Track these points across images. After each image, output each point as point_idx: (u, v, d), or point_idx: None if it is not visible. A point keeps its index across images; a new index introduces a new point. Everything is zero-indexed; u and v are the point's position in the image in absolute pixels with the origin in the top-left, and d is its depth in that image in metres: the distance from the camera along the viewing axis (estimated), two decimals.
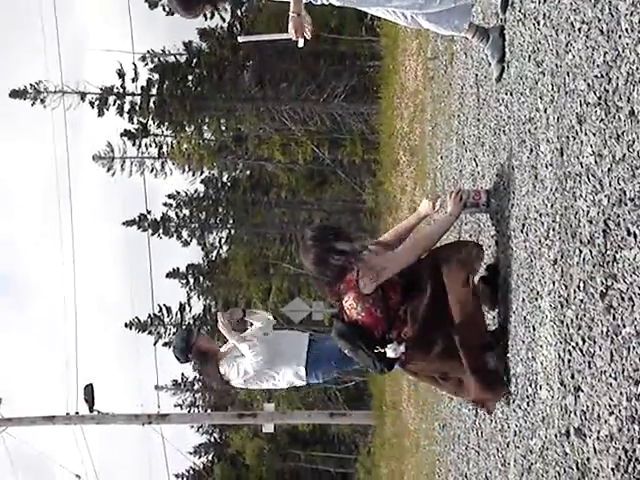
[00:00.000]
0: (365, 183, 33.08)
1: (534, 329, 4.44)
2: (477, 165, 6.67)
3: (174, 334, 42.95)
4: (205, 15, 5.71)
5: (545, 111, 4.46)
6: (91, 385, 18.53)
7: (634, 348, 3.08)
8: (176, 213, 42.05)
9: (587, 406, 3.51)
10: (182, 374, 45.88)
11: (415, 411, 11.79)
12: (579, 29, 3.92)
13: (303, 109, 33.67)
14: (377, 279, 5.08)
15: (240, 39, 6.14)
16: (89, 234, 79.32)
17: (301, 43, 5.50)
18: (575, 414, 3.66)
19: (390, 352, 5.11)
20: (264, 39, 6.37)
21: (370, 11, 5.75)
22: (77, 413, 19.82)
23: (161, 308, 44.02)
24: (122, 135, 38.33)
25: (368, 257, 5.23)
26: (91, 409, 18.78)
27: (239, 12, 36.84)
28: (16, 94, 36.90)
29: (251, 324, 7.49)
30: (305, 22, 5.45)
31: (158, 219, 41.82)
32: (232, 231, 42.97)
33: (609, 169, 3.42)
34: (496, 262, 5.58)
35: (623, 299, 3.20)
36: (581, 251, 3.70)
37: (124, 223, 42.11)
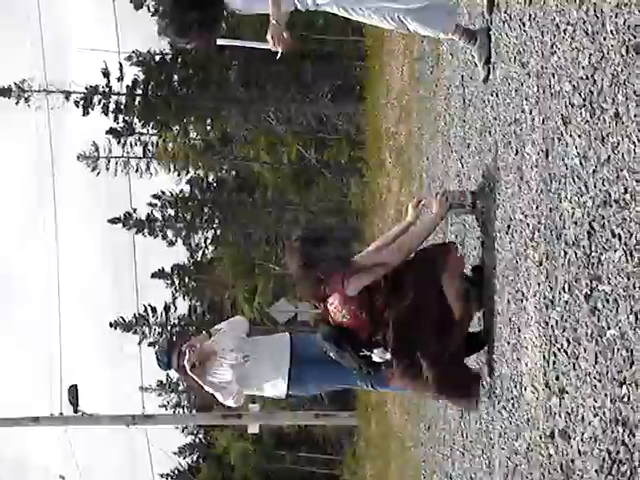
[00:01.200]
0: (351, 183, 33.09)
1: (519, 330, 4.44)
2: (463, 166, 6.67)
3: (159, 334, 42.90)
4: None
5: (530, 112, 4.47)
6: (75, 386, 18.47)
7: (618, 350, 3.08)
8: (161, 213, 41.99)
9: (572, 408, 3.52)
10: (167, 375, 45.76)
11: (400, 412, 11.80)
12: (564, 30, 3.92)
13: (289, 109, 33.69)
14: (363, 281, 5.07)
15: (219, 42, 6.17)
16: (73, 234, 79.03)
17: (279, 53, 5.55)
18: (560, 416, 3.66)
19: (376, 358, 5.11)
20: (243, 45, 6.42)
21: (355, 17, 5.70)
22: (61, 414, 19.76)
23: (146, 308, 43.96)
24: (107, 133, 38.28)
25: (354, 260, 5.23)
26: (75, 410, 18.71)
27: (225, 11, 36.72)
28: (0, 92, 36.81)
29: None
30: (284, 33, 5.47)
31: (143, 219, 41.75)
32: (218, 231, 42.93)
33: (594, 171, 3.42)
34: (481, 263, 5.58)
35: (608, 301, 3.20)
36: (566, 253, 3.70)
37: (109, 221, 42.05)
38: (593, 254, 3.38)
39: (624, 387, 3.02)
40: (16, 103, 37.08)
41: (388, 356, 5.10)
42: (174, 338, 7.85)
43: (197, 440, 47.81)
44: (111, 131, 38.10)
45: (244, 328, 7.36)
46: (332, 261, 5.13)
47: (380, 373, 5.34)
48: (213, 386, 6.94)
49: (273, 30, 5.40)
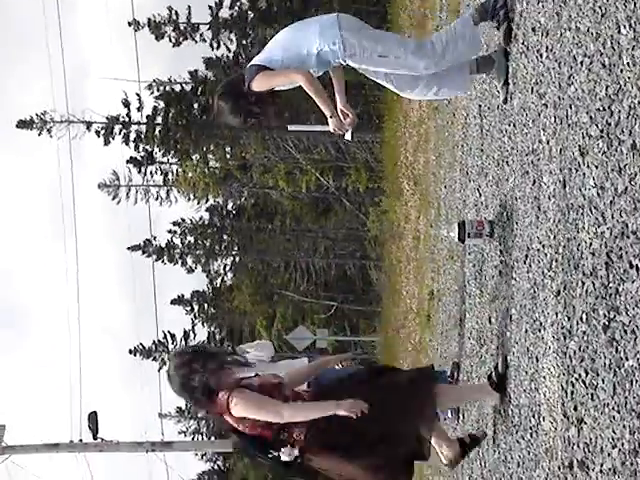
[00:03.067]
0: (369, 211, 33.11)
1: (537, 360, 4.44)
2: (480, 195, 6.69)
3: None
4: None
5: (548, 143, 4.49)
6: (95, 413, 18.46)
7: (637, 381, 3.08)
8: (181, 240, 42.13)
9: (590, 438, 3.51)
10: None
11: None
12: (581, 62, 3.95)
13: (308, 137, 33.78)
14: (248, 412, 4.92)
15: (290, 127, 6.29)
16: (93, 262, 79.22)
17: (348, 136, 5.60)
18: (578, 446, 3.65)
19: (284, 457, 5.01)
20: (312, 129, 6.52)
21: (378, 80, 5.78)
22: (81, 441, 19.75)
23: (165, 335, 44.00)
24: (128, 162, 38.52)
25: (236, 377, 5.12)
26: (95, 437, 18.70)
27: (244, 41, 37.08)
28: (23, 124, 37.10)
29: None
30: (347, 113, 5.52)
31: (163, 246, 41.89)
32: (237, 258, 42.99)
33: (611, 202, 3.44)
34: (504, 354, 5.30)
35: (626, 332, 3.20)
36: (584, 283, 3.70)
37: (129, 248, 42.16)
38: (611, 285, 3.39)
39: None
40: (38, 134, 37.36)
41: (296, 452, 4.98)
42: None
43: (216, 467, 47.70)
44: (131, 160, 38.33)
45: (269, 352, 7.40)
46: (208, 376, 5.01)
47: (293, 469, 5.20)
48: None
49: (334, 123, 5.50)
